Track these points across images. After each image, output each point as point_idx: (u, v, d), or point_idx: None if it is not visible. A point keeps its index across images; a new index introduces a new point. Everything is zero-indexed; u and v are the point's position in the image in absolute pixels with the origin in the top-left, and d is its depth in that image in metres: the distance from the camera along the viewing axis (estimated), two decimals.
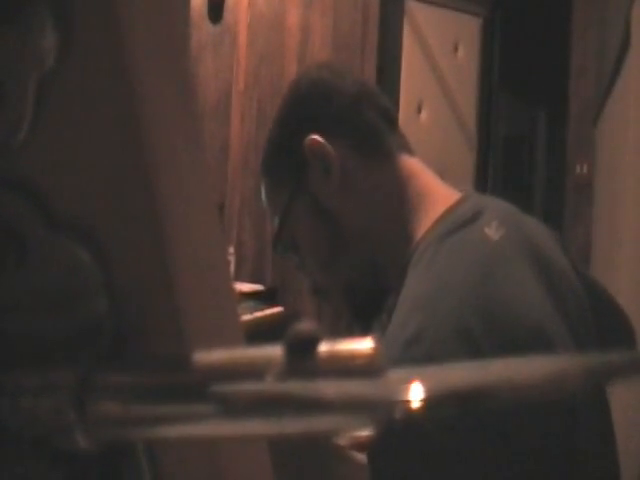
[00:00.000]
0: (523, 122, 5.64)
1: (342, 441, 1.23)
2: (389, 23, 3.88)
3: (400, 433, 0.78)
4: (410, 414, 0.24)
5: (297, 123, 1.02)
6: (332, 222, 1.01)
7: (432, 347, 0.80)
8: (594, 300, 1.00)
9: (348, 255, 1.02)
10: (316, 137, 0.99)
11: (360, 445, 1.14)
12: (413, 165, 1.02)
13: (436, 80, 4.17)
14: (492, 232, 0.92)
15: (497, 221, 0.93)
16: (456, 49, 4.29)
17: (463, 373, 0.24)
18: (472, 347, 0.80)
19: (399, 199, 1.00)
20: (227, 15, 3.83)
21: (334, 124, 1.00)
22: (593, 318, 0.98)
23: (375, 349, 0.28)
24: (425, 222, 0.97)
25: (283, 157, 1.03)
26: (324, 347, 0.29)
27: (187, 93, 0.40)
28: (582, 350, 0.90)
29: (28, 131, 0.34)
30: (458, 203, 0.98)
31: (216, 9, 3.83)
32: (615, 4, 3.00)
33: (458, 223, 0.93)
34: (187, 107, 0.40)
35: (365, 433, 0.27)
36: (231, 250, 3.61)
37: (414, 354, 0.80)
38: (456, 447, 0.79)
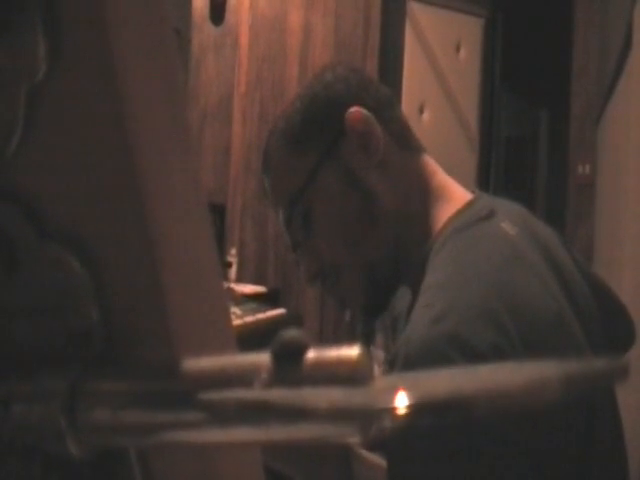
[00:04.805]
0: (525, 122, 5.65)
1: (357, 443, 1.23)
2: (391, 24, 3.88)
3: (416, 433, 0.78)
4: (395, 422, 0.24)
5: (338, 95, 1.02)
6: (365, 197, 1.01)
7: (458, 326, 0.80)
8: (598, 299, 1.01)
9: (375, 232, 1.02)
10: (362, 110, 1.00)
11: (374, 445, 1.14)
12: (432, 164, 1.06)
13: (438, 81, 4.17)
14: (508, 228, 0.95)
15: (510, 221, 0.96)
16: (458, 50, 4.30)
17: (447, 381, 0.25)
18: (500, 330, 0.80)
19: (425, 190, 1.02)
20: (229, 17, 3.84)
21: (375, 108, 1.02)
22: (599, 317, 1.00)
23: (361, 357, 0.28)
24: (440, 218, 0.99)
25: (316, 124, 1.03)
26: (311, 354, 0.29)
27: (176, 99, 0.40)
28: (594, 345, 0.92)
29: (19, 141, 0.34)
30: (472, 202, 1.00)
31: (218, 11, 3.84)
32: (617, 4, 3.00)
33: (475, 219, 0.96)
34: (176, 113, 0.40)
35: (353, 441, 0.27)
36: (233, 252, 3.62)
37: (440, 332, 0.80)
38: (472, 446, 0.78)
